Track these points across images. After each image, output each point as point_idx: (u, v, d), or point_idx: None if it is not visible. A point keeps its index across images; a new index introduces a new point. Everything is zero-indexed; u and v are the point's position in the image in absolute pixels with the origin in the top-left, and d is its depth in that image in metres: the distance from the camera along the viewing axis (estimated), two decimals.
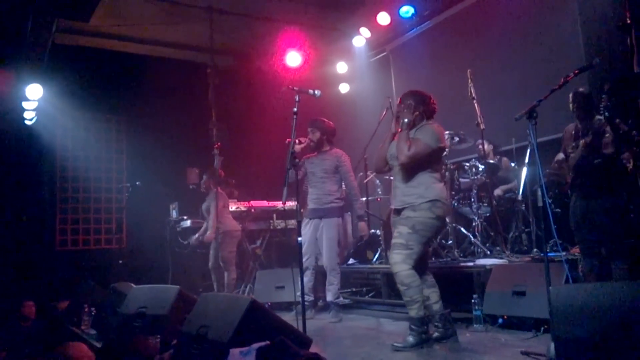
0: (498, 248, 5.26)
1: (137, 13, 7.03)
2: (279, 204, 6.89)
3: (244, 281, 6.65)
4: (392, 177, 3.85)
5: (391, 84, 8.08)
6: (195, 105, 7.72)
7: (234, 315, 2.87)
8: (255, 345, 2.64)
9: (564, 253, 4.39)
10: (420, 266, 3.59)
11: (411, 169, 3.57)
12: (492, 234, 5.45)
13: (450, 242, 5.34)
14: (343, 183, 5.06)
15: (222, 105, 7.22)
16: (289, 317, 3.80)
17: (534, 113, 3.12)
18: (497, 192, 5.69)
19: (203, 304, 3.32)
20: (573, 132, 4.10)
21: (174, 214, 6.77)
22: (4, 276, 6.62)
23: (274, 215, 6.94)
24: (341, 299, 5.18)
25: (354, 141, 7.07)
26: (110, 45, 7.77)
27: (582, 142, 3.89)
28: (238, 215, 6.77)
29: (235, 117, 8.27)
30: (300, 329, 3.34)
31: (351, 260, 6.32)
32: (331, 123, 5.10)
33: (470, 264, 4.73)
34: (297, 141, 4.62)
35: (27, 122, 7.40)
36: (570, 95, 3.96)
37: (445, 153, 5.53)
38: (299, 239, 3.59)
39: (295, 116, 3.76)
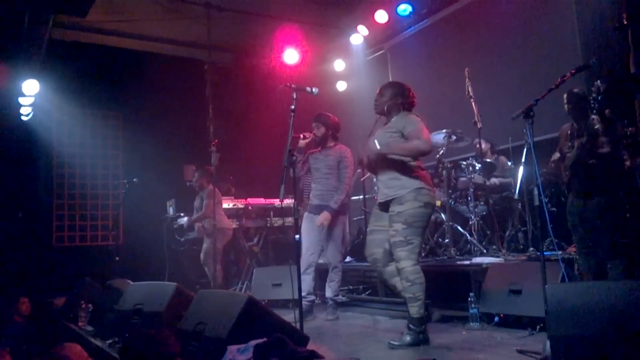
0: (494, 247, 5.29)
1: (135, 9, 7.02)
2: (276, 202, 6.90)
3: (240, 279, 6.66)
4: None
5: (387, 81, 8.07)
6: (193, 102, 7.72)
7: (231, 312, 2.88)
8: (253, 342, 2.65)
9: (560, 252, 4.41)
10: (388, 257, 3.63)
11: (392, 161, 3.56)
12: (489, 232, 5.47)
13: (447, 240, 5.35)
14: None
15: (219, 102, 7.21)
16: (286, 315, 3.81)
17: (531, 112, 3.13)
18: (494, 180, 5.69)
19: (200, 301, 3.33)
20: (569, 131, 4.11)
21: (170, 210, 6.77)
22: (1, 273, 6.61)
23: (271, 213, 6.95)
24: (340, 296, 5.18)
25: (351, 139, 7.06)
26: (107, 41, 7.76)
27: (577, 142, 3.90)
28: (235, 213, 6.78)
29: (232, 114, 8.28)
30: (298, 326, 3.35)
31: (348, 258, 6.33)
32: (336, 118, 5.01)
33: (467, 262, 4.74)
34: (302, 136, 4.60)
35: (24, 118, 7.38)
36: (565, 95, 3.98)
37: (442, 151, 5.58)
38: (297, 236, 3.58)
39: (292, 113, 3.76)
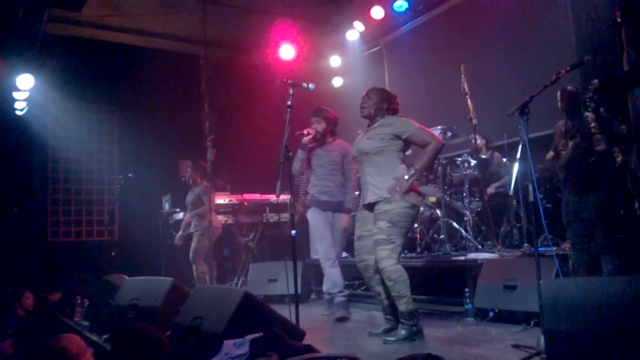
0: (489, 242, 5.32)
1: (130, 3, 6.98)
2: (272, 197, 6.90)
3: (237, 274, 6.67)
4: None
5: (384, 78, 8.08)
6: (188, 97, 7.72)
7: (227, 307, 2.89)
8: (249, 337, 2.66)
9: (554, 248, 4.44)
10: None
11: (381, 161, 3.64)
12: (484, 228, 5.50)
13: (442, 236, 5.38)
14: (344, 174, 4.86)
15: (215, 97, 7.21)
16: (282, 310, 3.82)
17: (526, 109, 3.15)
18: (490, 190, 5.73)
19: (196, 295, 3.34)
20: (563, 128, 4.14)
21: (166, 206, 6.77)
22: None
23: (267, 209, 6.95)
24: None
25: (346, 135, 7.07)
26: (102, 36, 7.71)
27: (571, 143, 3.93)
28: (231, 208, 6.78)
29: (228, 110, 8.27)
30: (294, 321, 3.36)
31: (344, 254, 6.34)
32: (334, 113, 4.95)
33: (462, 258, 4.77)
34: (306, 132, 4.53)
35: (18, 113, 7.35)
36: (558, 93, 4.00)
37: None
38: (292, 232, 3.59)
39: (289, 109, 3.77)
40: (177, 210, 6.78)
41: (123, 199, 6.95)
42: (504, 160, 5.84)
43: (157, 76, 7.71)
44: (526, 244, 5.02)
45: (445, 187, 5.59)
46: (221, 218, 6.73)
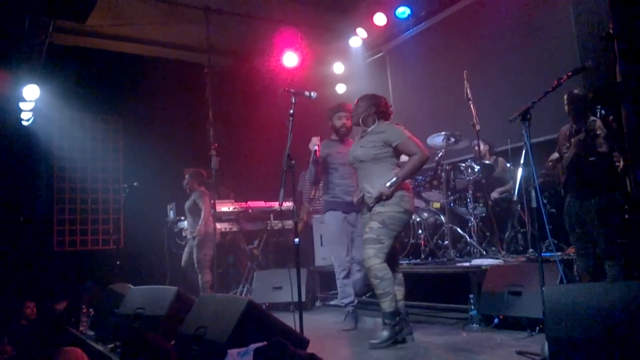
0: (494, 248, 5.30)
1: (134, 13, 7.04)
2: (276, 205, 6.91)
3: (241, 282, 6.67)
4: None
5: (387, 84, 8.10)
6: (193, 106, 7.74)
7: (231, 316, 2.89)
8: (253, 346, 2.66)
9: (559, 253, 4.43)
10: (390, 263, 3.70)
11: (375, 168, 3.72)
12: (488, 234, 5.49)
13: (446, 242, 5.37)
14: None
15: (219, 105, 7.22)
16: (286, 318, 3.82)
17: (528, 115, 3.15)
18: (494, 195, 5.73)
19: (201, 304, 3.35)
20: (568, 133, 4.13)
21: (171, 214, 6.78)
22: (2, 276, 6.62)
23: (272, 216, 6.96)
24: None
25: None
26: (107, 46, 7.78)
27: (574, 139, 3.92)
28: (235, 216, 6.79)
29: (232, 118, 8.30)
30: (298, 329, 3.36)
31: None
32: None
33: (466, 264, 4.76)
34: (316, 147, 4.41)
35: (24, 123, 7.40)
36: (565, 96, 4.00)
37: (441, 153, 5.59)
38: (296, 240, 3.60)
39: (291, 118, 3.79)
40: (182, 218, 6.79)
41: (128, 207, 6.97)
42: (508, 165, 5.83)
43: (161, 85, 7.76)
44: (531, 250, 5.00)
45: (449, 193, 5.59)
46: (225, 225, 6.74)
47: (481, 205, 5.54)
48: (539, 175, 4.87)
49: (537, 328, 3.60)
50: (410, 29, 7.64)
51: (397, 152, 3.78)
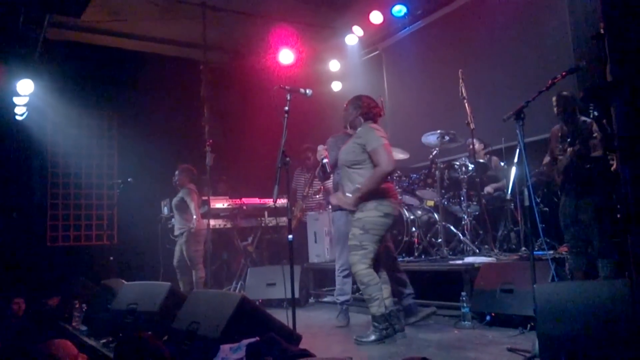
0: (487, 246, 5.33)
1: (130, 9, 7.01)
2: (270, 202, 6.92)
3: (235, 278, 6.68)
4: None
5: (383, 82, 8.12)
6: (188, 102, 7.73)
7: (224, 311, 2.90)
8: (245, 341, 2.68)
9: (551, 252, 4.46)
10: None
11: (355, 172, 3.74)
12: (481, 232, 5.51)
13: (439, 240, 5.39)
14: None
15: (214, 102, 7.23)
16: (280, 314, 3.83)
17: (522, 114, 3.17)
18: (488, 189, 5.75)
19: (194, 300, 3.36)
20: (559, 133, 4.17)
21: (165, 210, 6.77)
22: None
23: (266, 213, 6.96)
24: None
25: None
26: (102, 41, 7.75)
27: (570, 150, 3.95)
28: (229, 213, 6.80)
29: (227, 114, 8.29)
30: (291, 325, 3.38)
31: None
32: None
33: (459, 262, 4.78)
34: (326, 155, 4.31)
35: (18, 118, 7.36)
36: (554, 98, 4.03)
37: (435, 151, 5.61)
38: (290, 236, 3.61)
39: (286, 115, 3.78)
40: None
41: (122, 203, 6.96)
42: (502, 164, 5.86)
43: (156, 81, 7.74)
44: (523, 248, 5.03)
45: (443, 191, 5.61)
46: (220, 222, 6.74)
47: (475, 203, 5.57)
48: (533, 174, 4.91)
49: (529, 325, 3.63)
50: (406, 28, 7.65)
51: None
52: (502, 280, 3.97)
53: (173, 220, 6.55)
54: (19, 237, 7.14)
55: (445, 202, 5.68)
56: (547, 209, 5.10)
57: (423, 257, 5.43)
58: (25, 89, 7.01)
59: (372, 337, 3.60)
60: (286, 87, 3.85)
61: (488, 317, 3.96)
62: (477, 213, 5.58)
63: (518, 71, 6.03)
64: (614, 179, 3.91)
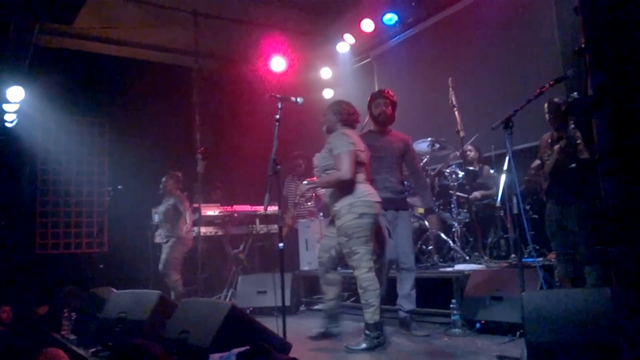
0: (477, 253, 5.35)
1: (122, 16, 7.01)
2: (261, 209, 6.92)
3: (226, 286, 6.66)
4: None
5: (374, 90, 8.12)
6: (180, 109, 7.73)
7: (214, 320, 2.90)
8: (235, 350, 2.67)
9: (539, 259, 4.49)
10: (331, 263, 3.88)
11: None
12: (471, 239, 5.54)
13: (430, 247, 5.41)
14: (408, 170, 4.41)
15: (206, 109, 7.22)
16: (270, 322, 3.83)
17: (510, 123, 3.21)
18: (476, 194, 5.78)
19: (184, 309, 3.35)
20: (549, 140, 4.21)
21: (155, 218, 6.74)
22: None
23: (257, 220, 6.96)
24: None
25: None
26: (94, 48, 7.73)
27: (556, 147, 3.99)
28: (220, 220, 6.79)
29: (219, 122, 8.28)
30: (281, 333, 3.37)
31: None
32: None
33: (450, 269, 4.81)
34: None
35: (8, 125, 7.32)
36: (546, 105, 4.07)
37: (426, 159, 5.64)
38: (280, 244, 3.62)
39: (277, 123, 3.81)
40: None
41: (112, 211, 6.93)
42: (492, 171, 5.90)
43: (148, 88, 7.73)
44: (513, 255, 5.06)
45: (434, 199, 5.63)
46: (211, 229, 6.73)
47: (465, 210, 5.60)
48: (522, 182, 4.95)
49: (518, 333, 3.64)
50: (397, 36, 7.71)
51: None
52: (491, 288, 4.00)
53: (159, 229, 6.52)
54: (8, 245, 7.07)
55: (436, 210, 5.70)
56: (536, 216, 5.14)
57: None
58: (15, 96, 6.97)
59: (363, 345, 3.60)
60: (277, 95, 3.88)
61: (478, 325, 3.98)
62: (467, 220, 5.61)
63: (507, 80, 6.09)
64: (599, 186, 3.95)
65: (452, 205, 5.52)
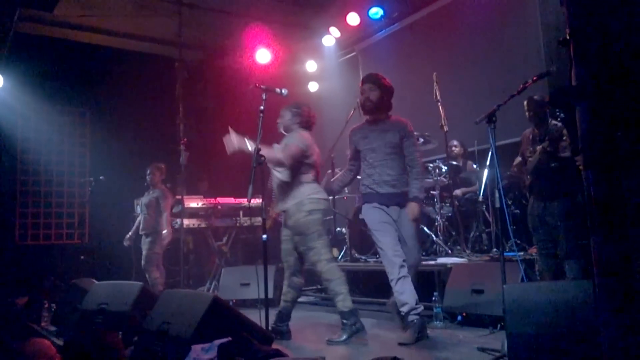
0: (459, 247, 5.40)
1: (104, 3, 6.90)
2: (245, 201, 6.88)
3: (209, 278, 6.63)
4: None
5: (359, 84, 8.14)
6: (163, 100, 7.65)
7: (196, 311, 2.88)
8: (217, 342, 2.66)
9: (521, 253, 4.54)
10: (297, 266, 3.93)
11: (282, 176, 3.87)
12: (454, 233, 5.59)
13: None
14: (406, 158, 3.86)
15: (190, 100, 7.17)
16: (253, 314, 3.82)
17: (493, 117, 3.22)
18: (457, 192, 5.83)
19: (165, 300, 3.32)
20: (531, 136, 4.25)
21: (138, 209, 6.67)
22: None
23: (241, 212, 6.93)
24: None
25: (321, 140, 7.10)
26: (75, 36, 7.61)
27: (539, 147, 4.03)
28: (204, 212, 6.74)
29: (203, 113, 8.23)
30: (264, 326, 3.37)
31: None
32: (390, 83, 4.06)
33: (432, 262, 4.84)
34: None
35: None
36: (525, 102, 4.11)
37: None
38: (264, 236, 3.61)
39: (261, 114, 3.79)
40: None
41: (94, 201, 6.84)
42: (475, 166, 5.95)
43: (130, 78, 7.63)
44: (495, 249, 5.12)
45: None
46: (194, 222, 6.68)
47: (447, 205, 5.64)
48: (504, 176, 5.00)
49: (499, 325, 3.69)
50: (382, 30, 7.71)
51: (304, 161, 3.87)
52: (473, 281, 4.04)
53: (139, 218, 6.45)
54: None
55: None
56: (518, 210, 5.19)
57: None
58: None
59: (344, 337, 3.62)
60: (262, 86, 3.85)
61: (459, 317, 4.03)
62: (450, 214, 5.65)
63: (491, 75, 6.13)
64: (581, 182, 4.00)
65: (435, 200, 5.55)
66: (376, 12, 7.18)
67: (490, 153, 5.09)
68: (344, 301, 3.66)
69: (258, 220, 6.77)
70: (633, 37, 1.60)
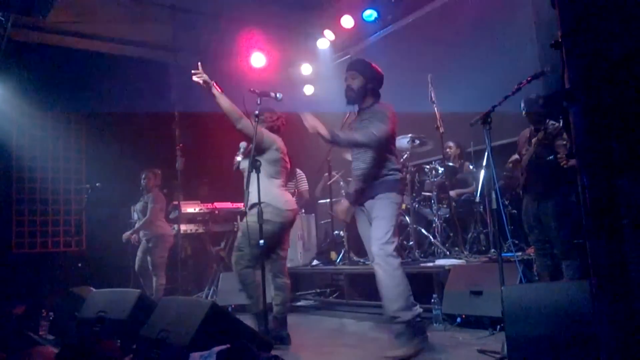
0: (457, 249, 5.40)
1: (99, 10, 6.89)
2: (242, 206, 6.87)
3: (207, 283, 6.61)
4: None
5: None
6: (158, 105, 7.61)
7: (194, 319, 2.87)
8: (216, 349, 2.65)
9: (518, 254, 4.54)
10: (275, 269, 3.98)
11: (253, 178, 3.78)
12: (452, 234, 5.59)
13: (411, 242, 5.44)
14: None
15: (185, 105, 7.14)
16: (251, 320, 3.81)
17: (489, 118, 3.23)
18: (452, 193, 5.83)
19: (163, 308, 3.31)
20: (528, 136, 4.25)
21: (135, 216, 6.66)
22: None
23: (239, 217, 6.91)
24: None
25: (317, 143, 7.10)
26: (70, 43, 7.58)
27: (534, 139, 4.04)
28: (202, 217, 6.73)
29: (198, 118, 8.19)
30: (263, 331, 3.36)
31: (315, 262, 6.36)
32: (379, 69, 3.74)
33: (430, 264, 4.84)
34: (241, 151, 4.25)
35: None
36: (522, 102, 4.12)
37: (406, 155, 5.67)
38: (261, 241, 3.60)
39: (257, 119, 3.78)
40: None
41: (90, 208, 6.82)
42: (471, 167, 5.96)
43: (126, 84, 7.60)
44: (493, 250, 5.11)
45: (414, 195, 5.66)
46: (192, 227, 6.67)
47: (445, 206, 5.64)
48: (501, 177, 5.00)
49: (498, 327, 3.69)
50: (377, 32, 7.71)
51: (273, 160, 4.00)
52: (471, 282, 4.04)
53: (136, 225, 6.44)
54: None
55: (417, 205, 5.73)
56: (515, 211, 5.20)
57: None
58: None
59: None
60: (256, 90, 3.85)
61: (459, 319, 4.02)
62: (447, 216, 5.65)
63: (486, 76, 6.12)
64: (575, 181, 4.01)
65: (433, 201, 5.55)
66: (370, 14, 7.19)
67: (486, 154, 5.10)
68: (254, 305, 3.76)
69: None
70: (626, 40, 1.61)
